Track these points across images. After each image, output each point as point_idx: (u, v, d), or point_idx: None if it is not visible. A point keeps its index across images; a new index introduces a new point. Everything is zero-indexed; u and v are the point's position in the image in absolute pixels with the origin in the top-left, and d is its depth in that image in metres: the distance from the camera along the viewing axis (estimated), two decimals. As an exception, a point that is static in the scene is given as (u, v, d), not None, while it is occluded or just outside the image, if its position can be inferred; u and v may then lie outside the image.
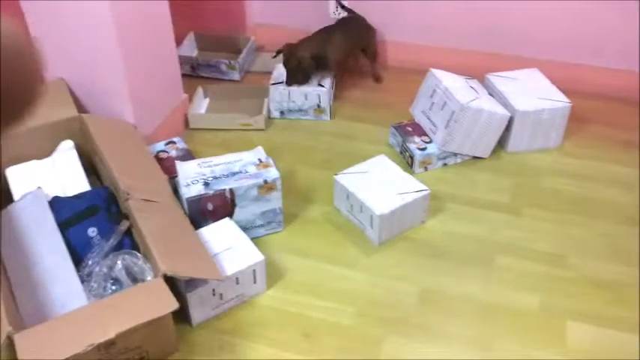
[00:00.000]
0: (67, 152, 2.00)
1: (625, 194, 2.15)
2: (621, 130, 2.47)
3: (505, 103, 2.27)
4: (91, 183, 1.96)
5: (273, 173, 1.87)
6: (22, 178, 1.93)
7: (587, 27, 2.60)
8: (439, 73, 2.28)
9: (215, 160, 1.93)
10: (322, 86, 2.48)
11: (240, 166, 1.90)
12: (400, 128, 2.32)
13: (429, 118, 2.27)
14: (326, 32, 2.56)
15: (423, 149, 2.22)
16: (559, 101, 2.28)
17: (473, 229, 2.01)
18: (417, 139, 2.27)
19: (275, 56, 2.52)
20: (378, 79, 2.80)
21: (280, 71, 2.53)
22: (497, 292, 1.79)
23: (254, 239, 1.85)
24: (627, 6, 2.49)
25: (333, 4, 2.87)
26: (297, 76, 2.46)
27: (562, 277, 1.83)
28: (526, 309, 1.73)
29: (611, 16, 2.54)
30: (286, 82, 2.47)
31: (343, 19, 2.72)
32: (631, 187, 2.18)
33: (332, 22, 2.67)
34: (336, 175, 2.03)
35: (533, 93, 2.31)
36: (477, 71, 2.47)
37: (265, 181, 1.85)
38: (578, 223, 2.03)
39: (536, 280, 1.82)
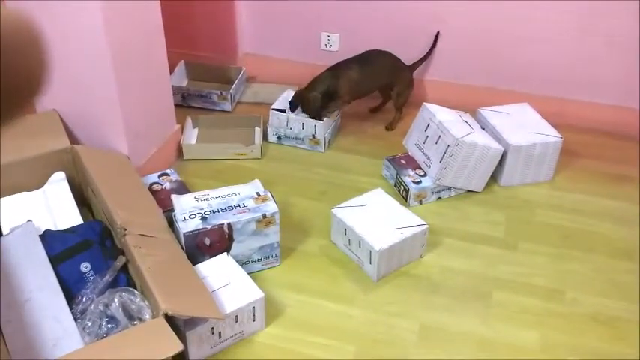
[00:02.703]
0: (58, 184, 1.95)
1: (617, 228, 2.17)
2: (610, 163, 2.50)
3: (498, 138, 2.29)
4: (82, 215, 1.92)
5: (271, 207, 1.85)
6: (11, 210, 1.88)
7: (576, 62, 2.65)
8: (433, 107, 2.29)
9: (212, 193, 1.90)
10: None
11: (238, 199, 1.87)
12: (394, 161, 2.33)
13: (423, 152, 2.28)
14: (339, 67, 2.52)
15: (418, 183, 2.22)
16: (551, 136, 2.31)
17: (470, 264, 2.01)
18: (411, 172, 2.27)
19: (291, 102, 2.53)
20: (389, 128, 2.68)
21: (283, 99, 2.57)
22: (496, 328, 1.78)
23: (250, 274, 1.82)
24: (616, 42, 2.55)
25: (324, 36, 2.89)
26: (315, 115, 2.47)
27: (561, 313, 1.83)
28: (526, 346, 1.73)
29: (600, 52, 2.60)
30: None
31: (370, 53, 2.59)
32: (622, 220, 2.21)
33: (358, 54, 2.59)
34: (333, 208, 2.02)
35: (525, 127, 2.34)
36: (468, 105, 2.49)
37: (264, 216, 1.83)
38: (573, 257, 2.04)
39: (535, 316, 1.82)
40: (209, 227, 1.78)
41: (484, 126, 2.36)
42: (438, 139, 2.21)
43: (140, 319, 1.55)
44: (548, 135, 2.32)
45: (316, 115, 2.47)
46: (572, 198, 2.31)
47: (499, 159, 2.25)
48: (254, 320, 1.70)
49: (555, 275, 1.97)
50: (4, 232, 1.81)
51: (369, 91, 2.65)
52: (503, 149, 2.24)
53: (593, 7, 2.50)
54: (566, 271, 1.99)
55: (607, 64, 2.62)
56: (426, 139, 2.28)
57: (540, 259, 2.03)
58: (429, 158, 2.25)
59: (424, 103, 2.33)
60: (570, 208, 2.26)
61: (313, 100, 2.44)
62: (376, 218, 1.97)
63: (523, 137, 2.29)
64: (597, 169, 2.47)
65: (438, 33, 2.73)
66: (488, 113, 2.42)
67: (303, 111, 2.49)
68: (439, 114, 2.25)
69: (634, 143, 2.62)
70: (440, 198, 2.27)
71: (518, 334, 1.76)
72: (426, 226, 1.96)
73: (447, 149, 2.16)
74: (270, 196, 1.90)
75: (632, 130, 2.65)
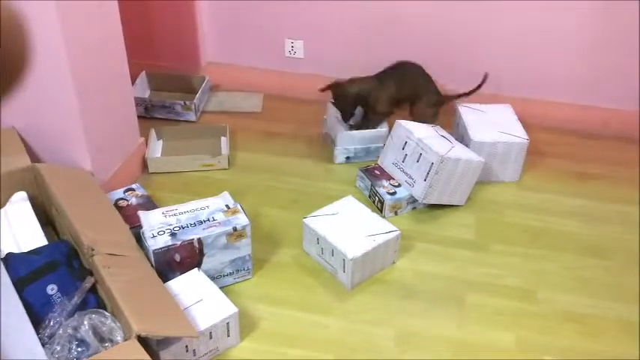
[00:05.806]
0: (20, 204, 1.89)
1: (583, 226, 2.21)
2: (574, 162, 2.55)
3: (463, 133, 2.29)
4: (47, 235, 1.86)
5: (242, 220, 1.82)
6: (-29, 233, 1.80)
7: (539, 62, 2.69)
8: (408, 124, 2.25)
9: (180, 207, 1.86)
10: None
11: (208, 213, 1.84)
12: (368, 172, 2.30)
13: (403, 171, 2.23)
14: (383, 79, 2.44)
15: (393, 193, 2.20)
16: (516, 137, 2.33)
17: (442, 267, 2.01)
18: (385, 182, 2.24)
19: (323, 90, 2.45)
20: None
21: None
22: (472, 331, 1.79)
23: (223, 288, 1.80)
24: (579, 41, 2.60)
25: (288, 43, 2.87)
26: (347, 111, 2.43)
27: (534, 313, 1.85)
28: (503, 348, 1.74)
29: (562, 51, 2.64)
30: (343, 119, 2.45)
31: (405, 64, 2.48)
32: (587, 218, 2.24)
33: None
34: (304, 217, 2.00)
35: (495, 126, 2.36)
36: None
37: (235, 229, 1.80)
38: (543, 257, 2.06)
39: (510, 317, 1.83)
40: (179, 243, 1.74)
41: (458, 122, 2.37)
42: (419, 157, 2.17)
43: (112, 342, 1.50)
44: (514, 135, 2.34)
45: (343, 111, 2.43)
46: (540, 197, 2.34)
47: (480, 171, 2.25)
48: (229, 336, 1.67)
49: (527, 275, 1.99)
50: (-36, 256, 1.74)
51: (399, 105, 2.51)
52: (483, 160, 2.23)
53: (553, 8, 2.54)
54: (537, 270, 2.01)
55: (569, 63, 2.66)
56: (404, 158, 2.23)
57: (511, 259, 2.05)
58: (410, 177, 2.20)
59: (397, 120, 2.29)
60: (538, 208, 2.29)
61: (348, 96, 2.40)
62: (348, 226, 1.95)
63: (488, 135, 2.31)
64: (563, 167, 2.51)
65: (486, 75, 2.48)
66: (465, 109, 2.45)
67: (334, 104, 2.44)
68: (416, 131, 2.21)
69: (596, 141, 2.67)
70: (415, 208, 2.26)
71: (494, 336, 1.77)
72: (398, 232, 1.96)
73: (431, 167, 2.11)
74: (240, 208, 1.87)
75: (594, 127, 2.71)
